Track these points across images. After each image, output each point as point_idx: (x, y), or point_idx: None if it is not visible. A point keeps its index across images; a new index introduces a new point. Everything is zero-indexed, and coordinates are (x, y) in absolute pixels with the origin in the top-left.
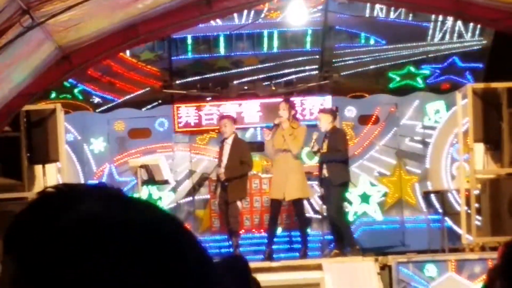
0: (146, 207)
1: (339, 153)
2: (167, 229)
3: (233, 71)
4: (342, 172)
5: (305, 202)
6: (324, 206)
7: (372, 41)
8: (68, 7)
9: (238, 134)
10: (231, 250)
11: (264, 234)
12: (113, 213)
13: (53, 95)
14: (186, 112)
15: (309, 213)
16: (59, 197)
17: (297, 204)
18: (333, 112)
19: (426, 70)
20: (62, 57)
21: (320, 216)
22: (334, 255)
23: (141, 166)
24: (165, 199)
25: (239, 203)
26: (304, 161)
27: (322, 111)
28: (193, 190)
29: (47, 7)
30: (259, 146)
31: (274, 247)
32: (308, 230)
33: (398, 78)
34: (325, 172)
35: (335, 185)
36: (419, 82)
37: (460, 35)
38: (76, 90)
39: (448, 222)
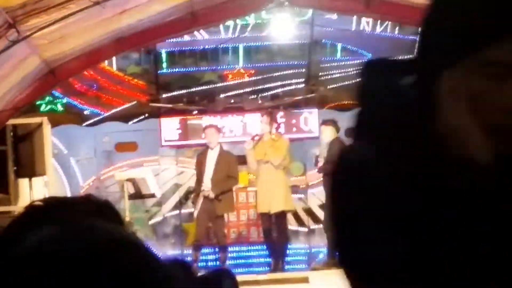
0: (105, 233)
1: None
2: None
3: (220, 84)
4: None
5: (291, 216)
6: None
7: (358, 55)
8: (54, 21)
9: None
10: (218, 264)
11: (250, 247)
12: (60, 244)
13: (43, 107)
14: (173, 126)
15: (295, 226)
16: (22, 222)
17: (280, 216)
18: (336, 124)
19: None
20: (47, 71)
21: (306, 229)
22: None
23: (128, 180)
24: (152, 213)
25: (225, 217)
26: (292, 174)
27: (325, 123)
28: (180, 204)
29: (32, 20)
30: (245, 159)
31: (261, 260)
32: (293, 244)
33: None
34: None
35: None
36: None
37: None
38: (62, 103)
39: None
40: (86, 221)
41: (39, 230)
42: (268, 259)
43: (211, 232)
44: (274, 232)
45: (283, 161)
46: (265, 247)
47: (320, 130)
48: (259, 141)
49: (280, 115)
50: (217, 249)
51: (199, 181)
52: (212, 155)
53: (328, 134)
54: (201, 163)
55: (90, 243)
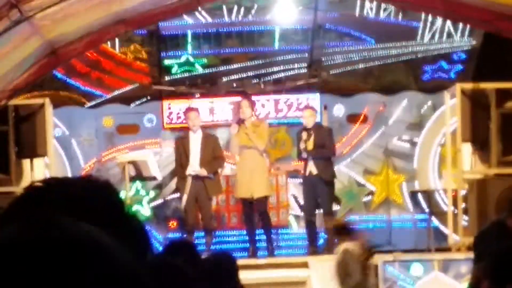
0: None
1: (327, 150)
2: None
3: (222, 68)
4: (330, 169)
5: (293, 200)
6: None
7: (361, 40)
8: (57, 1)
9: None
10: (205, 248)
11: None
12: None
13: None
14: (175, 109)
15: (296, 211)
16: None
17: (263, 202)
18: (315, 108)
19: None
20: (50, 52)
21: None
22: (312, 253)
23: (129, 162)
24: (152, 196)
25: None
26: (292, 159)
27: (308, 107)
28: (176, 187)
29: (35, 1)
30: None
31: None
32: (294, 228)
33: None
34: (312, 169)
35: (325, 182)
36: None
37: (450, 35)
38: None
39: (435, 221)
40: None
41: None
42: (247, 245)
43: (191, 215)
44: (257, 217)
45: (266, 145)
46: (244, 232)
47: (303, 114)
48: (241, 126)
49: (284, 100)
50: (203, 233)
51: (182, 165)
52: (196, 138)
53: (311, 118)
54: (184, 146)
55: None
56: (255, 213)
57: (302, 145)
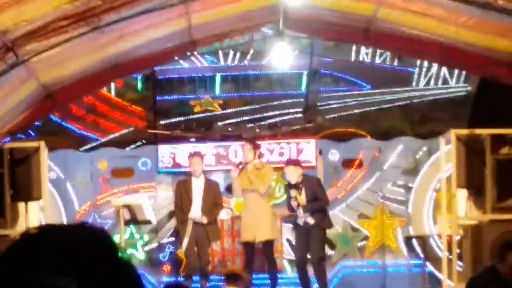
0: None
1: (320, 202)
2: None
3: (218, 112)
4: (327, 219)
5: (287, 244)
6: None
7: (357, 85)
8: (52, 45)
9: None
10: None
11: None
12: None
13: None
14: (170, 153)
15: (291, 255)
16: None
17: (268, 245)
18: (300, 164)
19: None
20: (45, 96)
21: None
22: None
23: (124, 206)
24: (147, 239)
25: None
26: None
27: (292, 163)
28: (175, 231)
29: (31, 44)
30: None
31: None
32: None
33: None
34: (309, 220)
35: (319, 229)
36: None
37: (445, 81)
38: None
39: (430, 267)
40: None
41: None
42: None
43: (191, 260)
44: (263, 261)
45: (269, 189)
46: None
47: (285, 170)
48: (243, 169)
49: (279, 145)
50: (199, 277)
51: (183, 209)
52: (199, 183)
53: (294, 174)
54: (186, 191)
55: None
56: (261, 256)
57: (294, 203)
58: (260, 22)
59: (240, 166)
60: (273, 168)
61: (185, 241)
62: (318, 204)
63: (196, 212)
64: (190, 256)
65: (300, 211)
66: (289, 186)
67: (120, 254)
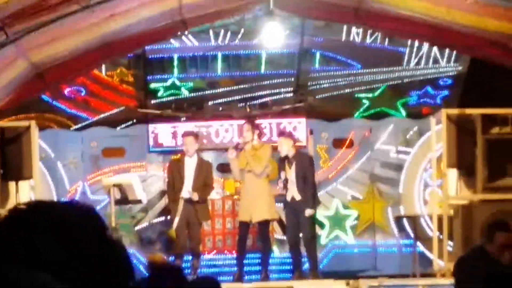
0: None
1: (307, 184)
2: None
3: (208, 92)
4: (313, 197)
5: (277, 224)
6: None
7: (347, 65)
8: (43, 24)
9: (213, 155)
10: (191, 271)
11: (234, 255)
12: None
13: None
14: (160, 132)
15: (281, 235)
16: None
17: (263, 226)
18: (293, 136)
19: (401, 95)
20: (36, 74)
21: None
22: (297, 278)
23: (114, 185)
24: (138, 219)
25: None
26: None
27: (282, 135)
28: (166, 210)
29: (21, 23)
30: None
31: (245, 268)
32: (275, 252)
33: (371, 103)
34: (295, 195)
35: (305, 209)
36: (394, 106)
37: (436, 61)
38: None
39: (420, 247)
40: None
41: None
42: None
43: (181, 239)
44: (257, 241)
45: (265, 169)
46: (257, 255)
47: (278, 142)
48: (242, 150)
49: (268, 124)
50: (190, 256)
51: (174, 187)
52: (191, 163)
53: (286, 146)
54: (178, 170)
55: None
56: (257, 236)
57: (282, 175)
58: (251, 1)
59: (239, 147)
60: (272, 148)
61: (176, 220)
62: (305, 184)
63: (187, 191)
64: (180, 235)
65: (288, 186)
66: (280, 160)
67: (109, 232)
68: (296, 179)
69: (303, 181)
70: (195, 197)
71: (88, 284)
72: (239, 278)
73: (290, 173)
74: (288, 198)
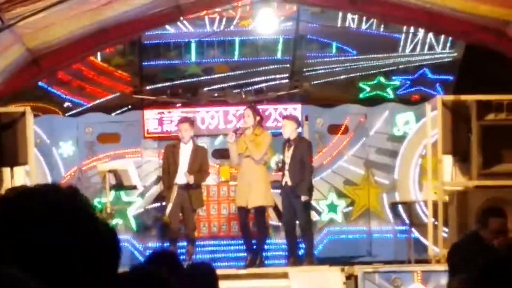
0: None
1: (306, 169)
2: None
3: (204, 78)
4: (305, 182)
5: (272, 211)
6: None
7: (343, 51)
8: (39, 10)
9: (207, 141)
10: (185, 258)
11: (229, 241)
12: None
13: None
14: (156, 118)
15: (276, 221)
16: None
17: (259, 212)
18: (297, 120)
19: (396, 81)
20: (32, 60)
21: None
22: (293, 264)
23: (110, 171)
24: (133, 205)
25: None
26: (272, 169)
27: (286, 117)
28: (161, 196)
29: (17, 9)
30: (228, 153)
31: (241, 254)
32: (272, 239)
33: (368, 89)
34: (288, 180)
35: (300, 195)
36: (389, 93)
37: (431, 47)
38: (46, 93)
39: (415, 233)
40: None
41: None
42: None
43: (175, 224)
44: (253, 226)
45: (264, 156)
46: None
47: (282, 124)
48: (242, 134)
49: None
50: (185, 242)
51: (169, 173)
52: (186, 149)
53: (289, 129)
54: (173, 156)
55: None
56: (253, 222)
57: (280, 156)
58: None
59: (238, 132)
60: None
61: (169, 206)
62: (301, 170)
63: (181, 177)
64: (173, 221)
65: (284, 169)
66: (283, 144)
67: (95, 213)
68: (292, 163)
69: (300, 165)
70: (191, 180)
71: (76, 268)
72: (252, 263)
73: (288, 156)
74: (283, 183)
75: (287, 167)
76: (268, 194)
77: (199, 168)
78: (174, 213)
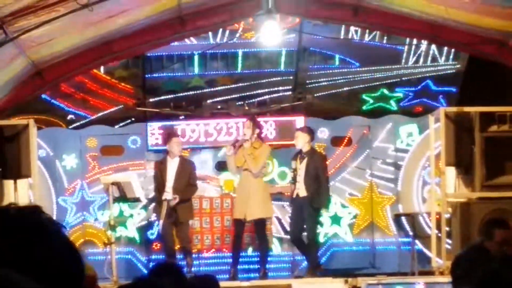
0: None
1: (321, 183)
2: None
3: (207, 90)
4: (322, 195)
5: (277, 222)
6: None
7: (346, 63)
8: (42, 22)
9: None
10: (186, 269)
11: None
12: None
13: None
14: (159, 130)
15: (280, 234)
16: None
17: (259, 224)
18: (311, 132)
19: (399, 93)
20: (35, 73)
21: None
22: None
23: (113, 183)
24: (136, 217)
25: (190, 223)
26: (276, 182)
27: (300, 129)
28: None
29: (21, 22)
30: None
31: (243, 267)
32: (273, 250)
33: (371, 101)
34: (300, 192)
35: (313, 207)
36: (392, 104)
37: (434, 59)
38: (49, 106)
39: (419, 245)
40: None
41: None
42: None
43: (168, 239)
44: (254, 239)
45: (262, 169)
46: (254, 254)
47: (295, 135)
48: (240, 147)
49: (267, 121)
50: (182, 255)
51: (160, 190)
52: (173, 164)
53: (301, 141)
54: (161, 171)
55: None
56: (252, 234)
57: (293, 164)
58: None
59: (237, 144)
60: (270, 147)
61: (160, 223)
62: (316, 183)
63: (168, 193)
64: (166, 237)
65: (296, 181)
66: (295, 153)
67: (51, 229)
68: (305, 176)
69: (315, 179)
70: (175, 201)
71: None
72: (234, 276)
73: (300, 168)
74: (294, 195)
75: (299, 179)
76: (266, 206)
77: (186, 182)
78: (166, 229)
